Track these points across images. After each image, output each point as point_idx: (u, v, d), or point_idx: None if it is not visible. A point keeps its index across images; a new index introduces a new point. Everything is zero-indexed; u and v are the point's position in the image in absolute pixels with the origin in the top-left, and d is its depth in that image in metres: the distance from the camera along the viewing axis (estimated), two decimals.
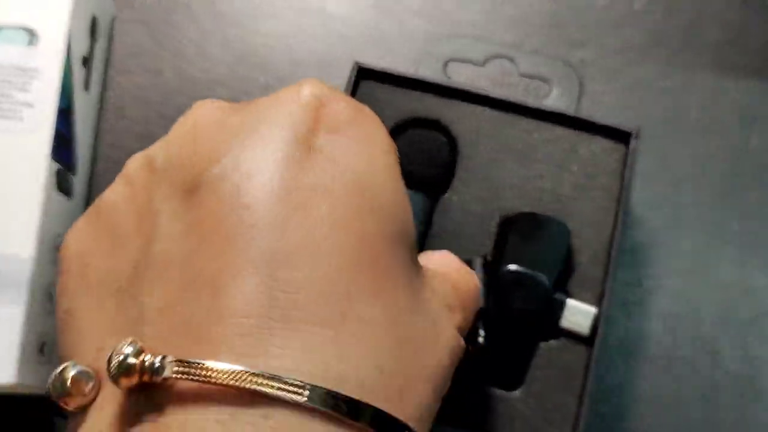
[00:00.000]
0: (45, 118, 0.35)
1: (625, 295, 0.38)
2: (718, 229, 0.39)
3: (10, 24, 0.36)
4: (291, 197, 0.19)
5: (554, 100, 0.38)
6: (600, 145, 0.35)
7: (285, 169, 0.20)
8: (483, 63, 0.38)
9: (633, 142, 0.34)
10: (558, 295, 0.33)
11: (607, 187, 0.35)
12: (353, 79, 0.35)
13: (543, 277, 0.33)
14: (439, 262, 0.25)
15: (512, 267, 0.33)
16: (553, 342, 0.33)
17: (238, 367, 0.17)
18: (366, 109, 0.23)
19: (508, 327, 0.32)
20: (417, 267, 0.22)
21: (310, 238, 0.19)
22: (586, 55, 0.41)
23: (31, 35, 0.36)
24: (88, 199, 0.39)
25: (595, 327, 0.32)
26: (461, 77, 0.39)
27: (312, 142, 0.21)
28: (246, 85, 0.41)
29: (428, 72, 0.38)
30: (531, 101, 0.35)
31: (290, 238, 0.19)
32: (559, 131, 0.35)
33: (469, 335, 0.26)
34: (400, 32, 0.42)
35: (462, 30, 0.42)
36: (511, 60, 0.38)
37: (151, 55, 0.42)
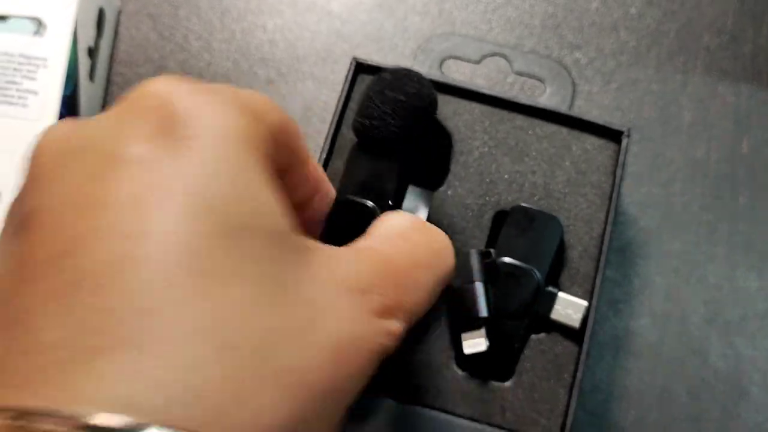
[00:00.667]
0: (50, 105, 0.36)
1: (614, 292, 0.39)
2: (708, 230, 0.40)
3: (18, 13, 0.37)
4: (93, 213, 0.18)
5: (548, 99, 0.39)
6: (592, 143, 0.36)
7: (89, 189, 0.19)
8: (478, 61, 0.39)
9: (624, 141, 0.35)
10: (550, 289, 0.34)
11: (599, 184, 0.36)
12: (351, 73, 0.36)
13: (535, 270, 0.33)
14: (381, 233, 0.23)
15: (505, 260, 0.33)
16: (543, 334, 0.34)
17: (11, 405, 0.16)
18: (211, 99, 0.21)
19: (500, 318, 0.33)
20: (291, 252, 0.20)
21: (117, 255, 0.18)
22: (581, 56, 0.42)
23: (38, 24, 0.37)
24: None
25: (585, 320, 0.33)
26: (456, 75, 0.40)
27: (130, 154, 0.19)
28: (249, 79, 0.42)
29: (424, 69, 0.39)
30: (525, 99, 0.36)
31: (95, 259, 0.18)
32: (553, 128, 0.36)
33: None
34: (399, 30, 0.43)
35: (459, 29, 0.42)
36: (506, 59, 0.39)
37: (156, 48, 0.42)
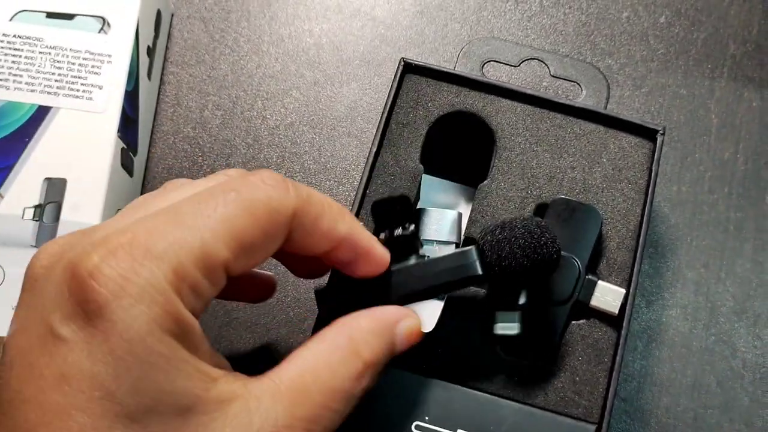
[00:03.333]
0: (114, 99, 0.38)
1: (647, 285, 0.41)
2: (735, 227, 0.42)
3: (84, 12, 0.39)
4: (34, 382, 0.22)
5: (584, 100, 0.41)
6: (628, 141, 0.38)
7: (31, 354, 0.23)
8: (517, 64, 0.41)
9: (659, 138, 0.37)
10: (589, 277, 0.35)
11: (634, 180, 0.37)
12: (399, 73, 0.38)
13: (576, 259, 0.35)
14: (302, 364, 0.27)
15: None
16: (584, 321, 0.35)
17: None
18: (131, 284, 0.23)
19: (543, 304, 0.35)
20: (199, 416, 0.24)
21: (35, 424, 0.22)
22: (612, 62, 0.44)
23: (103, 23, 0.39)
24: (145, 179, 0.42)
25: (623, 306, 0.35)
26: (497, 77, 0.42)
27: (60, 333, 0.22)
28: (296, 81, 0.44)
29: (467, 71, 0.41)
30: (564, 99, 0.38)
31: (23, 419, 0.22)
32: (590, 127, 0.38)
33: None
34: (441, 36, 0.45)
35: (499, 35, 0.45)
36: (544, 62, 0.41)
37: (207, 50, 0.45)
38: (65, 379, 0.22)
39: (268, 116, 0.43)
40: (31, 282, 0.24)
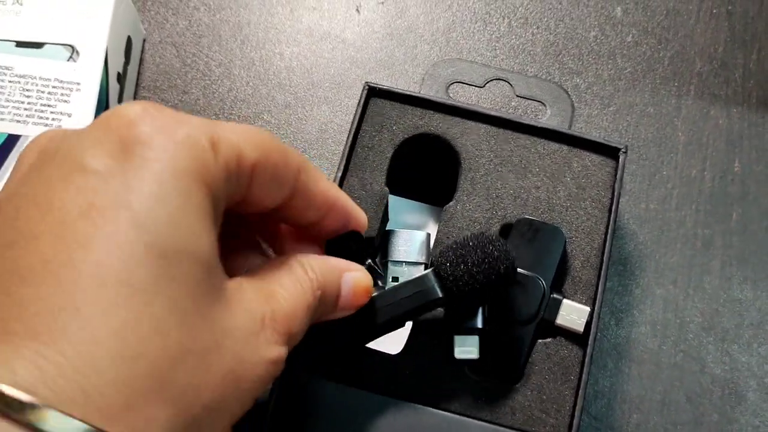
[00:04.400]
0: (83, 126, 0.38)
1: (615, 302, 0.41)
2: (704, 244, 0.42)
3: (53, 40, 0.40)
4: (43, 215, 0.21)
5: (549, 120, 0.41)
6: (591, 159, 0.38)
7: (48, 190, 0.21)
8: (483, 85, 0.42)
9: (622, 157, 0.38)
10: (554, 296, 0.36)
11: (599, 198, 0.38)
12: (364, 97, 0.39)
13: (540, 279, 0.35)
14: (288, 281, 0.26)
15: None
16: (549, 339, 0.36)
17: None
18: (173, 129, 0.23)
19: (509, 324, 0.35)
20: (212, 281, 0.23)
21: (55, 256, 0.20)
22: (580, 81, 0.45)
23: (72, 51, 0.40)
24: None
25: (588, 324, 0.35)
26: (462, 98, 0.43)
27: (91, 165, 0.21)
28: (267, 104, 0.44)
29: (432, 93, 0.41)
30: (528, 119, 0.39)
31: (34, 256, 0.20)
32: (554, 146, 0.39)
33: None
34: (410, 57, 0.45)
35: (466, 57, 0.45)
36: (509, 83, 0.42)
37: (179, 75, 0.45)
38: (94, 208, 0.20)
39: None
40: (33, 154, 0.23)
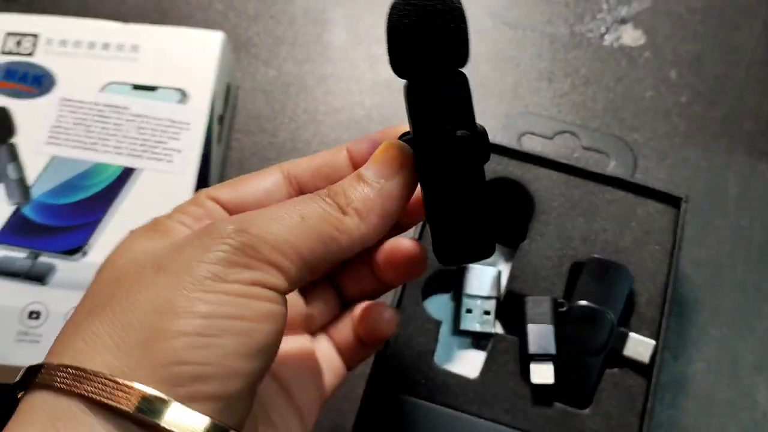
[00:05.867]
0: (191, 161, 0.42)
1: (673, 340, 0.44)
2: (754, 288, 0.45)
3: (166, 85, 0.44)
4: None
5: (612, 170, 0.45)
6: (655, 207, 0.42)
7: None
8: (552, 136, 0.46)
9: (683, 206, 0.41)
10: (622, 329, 0.39)
11: (661, 242, 0.41)
12: None
13: (609, 312, 0.39)
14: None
15: (583, 303, 0.39)
16: (617, 369, 0.39)
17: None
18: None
19: (580, 354, 0.38)
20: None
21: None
22: (638, 136, 0.49)
23: (182, 95, 0.44)
24: None
25: (654, 356, 0.38)
26: (533, 148, 0.46)
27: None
28: None
29: (505, 141, 0.45)
30: (595, 168, 0.42)
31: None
32: (620, 194, 0.42)
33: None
34: (481, 110, 0.49)
35: (534, 110, 0.49)
36: (575, 135, 0.45)
37: (269, 119, 0.49)
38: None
39: None
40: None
